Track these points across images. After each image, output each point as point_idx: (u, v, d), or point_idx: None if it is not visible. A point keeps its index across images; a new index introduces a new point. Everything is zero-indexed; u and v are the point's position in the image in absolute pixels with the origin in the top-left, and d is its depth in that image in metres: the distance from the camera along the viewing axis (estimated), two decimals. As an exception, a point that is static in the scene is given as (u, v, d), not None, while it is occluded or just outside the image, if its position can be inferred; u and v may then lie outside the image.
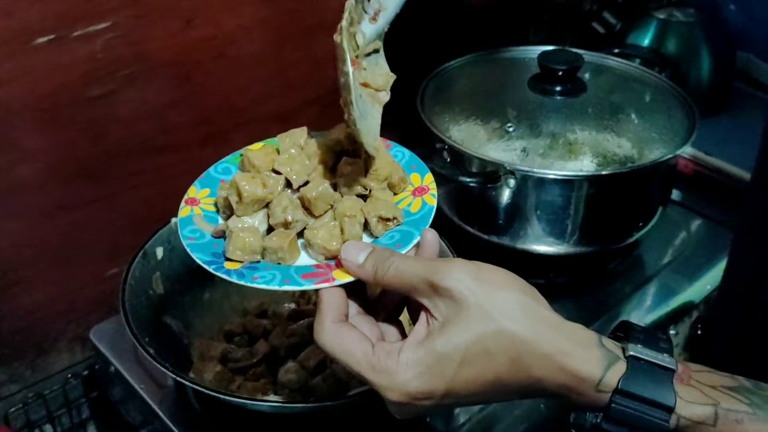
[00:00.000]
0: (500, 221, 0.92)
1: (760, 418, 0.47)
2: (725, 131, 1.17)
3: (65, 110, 0.83)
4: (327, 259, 0.56)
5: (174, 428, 0.77)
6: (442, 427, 0.78)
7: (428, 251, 0.56)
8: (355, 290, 0.55)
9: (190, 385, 0.68)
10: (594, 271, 0.99)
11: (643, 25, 1.23)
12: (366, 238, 0.58)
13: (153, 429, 0.80)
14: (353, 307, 0.55)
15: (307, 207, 0.58)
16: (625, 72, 1.05)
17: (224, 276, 0.54)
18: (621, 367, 0.49)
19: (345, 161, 0.60)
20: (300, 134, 0.63)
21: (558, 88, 0.96)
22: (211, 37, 0.91)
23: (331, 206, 0.59)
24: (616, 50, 1.09)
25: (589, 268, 0.99)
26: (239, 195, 0.57)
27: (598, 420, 0.50)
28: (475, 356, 0.49)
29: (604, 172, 0.90)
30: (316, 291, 0.54)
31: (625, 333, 0.52)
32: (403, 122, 1.02)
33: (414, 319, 0.53)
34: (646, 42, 1.21)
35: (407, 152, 0.65)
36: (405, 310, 0.57)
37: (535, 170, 0.87)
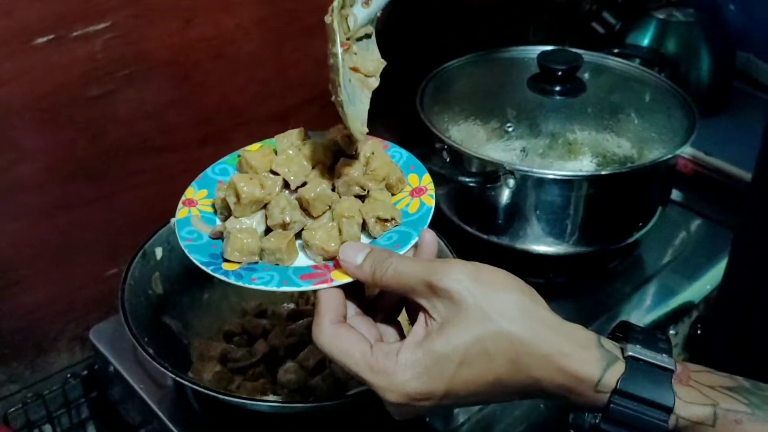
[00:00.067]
0: (499, 221, 0.92)
1: (759, 419, 0.47)
2: (725, 131, 1.17)
3: (64, 110, 0.83)
4: (325, 259, 0.56)
5: (173, 428, 0.77)
6: (441, 428, 0.78)
7: (427, 252, 0.56)
8: (354, 291, 0.55)
9: (190, 385, 0.68)
10: (593, 271, 0.99)
11: (642, 25, 1.23)
12: (364, 239, 0.58)
13: (152, 429, 0.80)
14: (351, 308, 0.55)
15: (305, 208, 0.58)
16: (624, 72, 1.05)
17: (222, 277, 0.54)
18: (620, 367, 0.49)
19: (343, 162, 0.60)
20: (297, 135, 0.63)
21: (557, 88, 0.96)
22: (210, 37, 0.91)
23: (329, 207, 0.58)
24: (616, 50, 1.09)
25: (589, 268, 0.99)
26: (237, 196, 0.57)
27: (597, 420, 0.50)
28: (474, 357, 0.49)
29: (603, 172, 0.90)
30: (315, 292, 0.53)
31: (624, 333, 0.52)
32: (403, 122, 1.02)
33: (412, 320, 0.53)
34: (645, 42, 1.21)
35: (405, 153, 0.65)
36: (403, 310, 0.57)
37: (534, 170, 0.87)
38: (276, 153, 0.62)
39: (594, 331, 0.51)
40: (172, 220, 0.60)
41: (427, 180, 0.62)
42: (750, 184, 0.73)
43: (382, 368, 0.49)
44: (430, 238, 0.56)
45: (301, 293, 0.86)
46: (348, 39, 0.55)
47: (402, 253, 0.55)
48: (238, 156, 0.63)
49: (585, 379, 0.48)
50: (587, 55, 1.02)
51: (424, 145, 0.92)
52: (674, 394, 0.48)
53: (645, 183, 0.93)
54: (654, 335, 0.52)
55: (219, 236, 0.58)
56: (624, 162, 0.92)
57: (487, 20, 1.22)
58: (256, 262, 0.56)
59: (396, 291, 0.52)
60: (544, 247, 0.92)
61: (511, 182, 0.87)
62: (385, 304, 0.57)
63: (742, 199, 0.78)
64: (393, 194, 0.61)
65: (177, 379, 0.68)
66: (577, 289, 0.96)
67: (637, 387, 0.48)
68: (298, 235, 0.58)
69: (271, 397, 0.76)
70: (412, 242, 0.56)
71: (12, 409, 0.93)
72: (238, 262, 0.56)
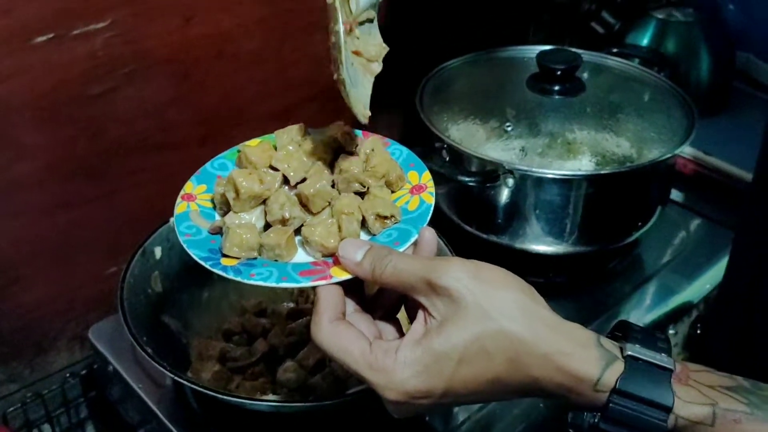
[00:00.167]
0: (499, 220, 0.92)
1: (759, 418, 0.47)
2: (725, 131, 1.17)
3: (64, 108, 0.83)
4: (324, 256, 0.56)
5: (172, 428, 0.77)
6: (440, 426, 0.78)
7: (426, 250, 0.56)
8: (353, 288, 0.55)
9: (189, 384, 0.68)
10: (593, 270, 0.99)
11: (642, 25, 1.23)
12: (363, 236, 0.58)
13: (151, 428, 0.80)
14: (350, 305, 0.54)
15: (304, 204, 0.58)
16: (624, 72, 1.05)
17: (221, 272, 0.54)
18: (619, 367, 0.48)
19: (342, 158, 0.60)
20: (297, 131, 0.63)
21: (557, 88, 0.96)
22: (210, 35, 0.91)
23: (329, 203, 0.58)
24: (615, 50, 1.09)
25: (588, 268, 0.99)
26: (236, 191, 0.57)
27: (596, 420, 0.49)
28: (474, 356, 0.49)
29: (602, 172, 0.90)
30: (314, 288, 0.53)
31: (623, 333, 0.52)
32: (403, 121, 1.02)
33: (411, 318, 0.53)
34: (645, 42, 1.21)
35: (405, 150, 0.65)
36: (403, 308, 0.57)
37: (533, 169, 0.87)
38: (276, 149, 0.62)
39: (593, 330, 0.51)
40: (172, 218, 0.60)
41: (427, 177, 0.62)
42: (750, 184, 0.73)
43: (381, 366, 0.49)
44: (430, 235, 0.56)
45: (301, 291, 0.86)
46: (350, 22, 0.55)
47: (401, 250, 0.54)
48: (238, 151, 0.63)
49: (584, 379, 0.48)
50: (586, 55, 1.02)
51: (423, 144, 0.92)
52: (673, 393, 0.48)
53: (644, 182, 0.93)
54: (653, 335, 0.51)
55: (218, 231, 0.58)
56: (623, 161, 0.92)
57: (487, 20, 1.22)
58: (255, 258, 0.56)
59: (395, 288, 0.52)
60: (543, 246, 0.92)
61: (511, 182, 0.87)
62: (384, 301, 0.57)
63: (742, 199, 0.77)
64: (393, 191, 0.61)
65: (176, 378, 0.68)
66: (577, 288, 0.96)
67: (637, 386, 0.48)
68: (298, 231, 0.58)
69: (270, 397, 0.76)
70: (412, 240, 0.56)
71: (11, 409, 0.93)
72: (237, 258, 0.55)
